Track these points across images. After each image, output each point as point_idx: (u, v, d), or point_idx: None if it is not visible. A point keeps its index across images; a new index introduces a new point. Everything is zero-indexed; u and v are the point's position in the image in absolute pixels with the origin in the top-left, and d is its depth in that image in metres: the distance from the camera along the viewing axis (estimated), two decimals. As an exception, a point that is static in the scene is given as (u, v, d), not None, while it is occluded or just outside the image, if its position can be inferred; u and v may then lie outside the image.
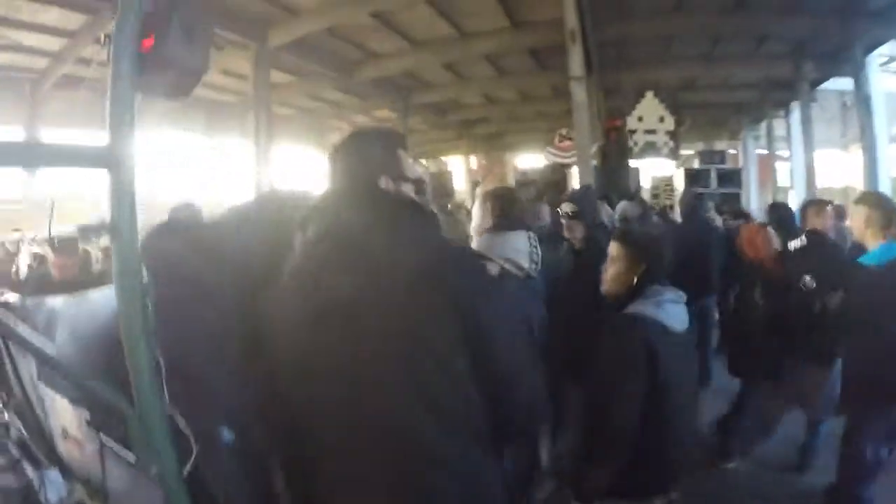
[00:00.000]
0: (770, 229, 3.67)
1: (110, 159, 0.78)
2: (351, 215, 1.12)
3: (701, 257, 4.72)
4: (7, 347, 1.68)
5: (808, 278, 3.07)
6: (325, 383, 1.03)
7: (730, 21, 8.76)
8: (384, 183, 1.21)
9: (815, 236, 3.45)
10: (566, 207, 3.29)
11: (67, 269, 3.85)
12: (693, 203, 5.42)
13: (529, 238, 2.58)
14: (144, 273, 1.16)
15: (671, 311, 1.91)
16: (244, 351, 1.14)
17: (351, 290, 1.03)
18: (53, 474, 1.52)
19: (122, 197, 0.84)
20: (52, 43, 8.55)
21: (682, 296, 1.98)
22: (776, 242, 3.52)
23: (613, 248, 2.02)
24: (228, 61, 9.80)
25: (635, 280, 1.94)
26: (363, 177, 1.20)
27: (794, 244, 3.40)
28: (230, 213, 1.35)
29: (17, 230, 6.46)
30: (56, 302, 1.52)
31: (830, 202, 4.32)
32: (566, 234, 3.32)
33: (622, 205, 5.70)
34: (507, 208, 2.63)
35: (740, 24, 8.84)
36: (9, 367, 1.71)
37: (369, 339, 1.00)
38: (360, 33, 9.38)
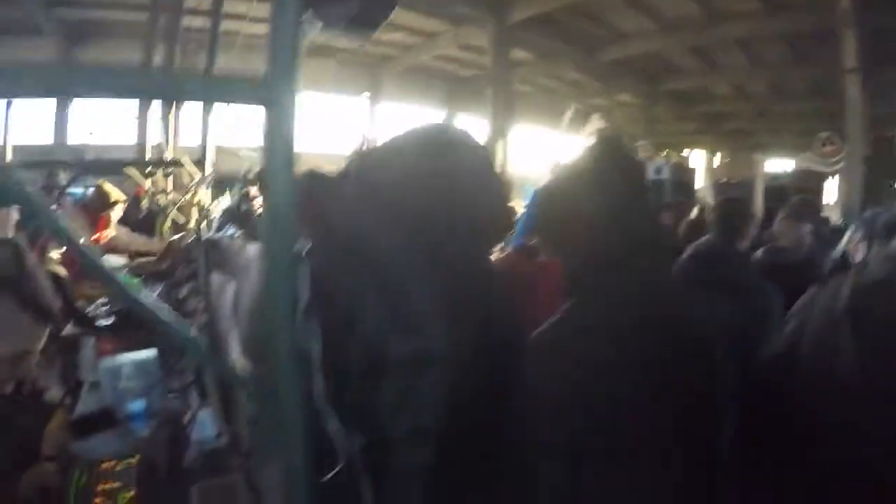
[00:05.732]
0: None
1: (268, 96, 0.67)
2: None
3: None
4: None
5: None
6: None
7: None
8: None
9: None
10: None
11: None
12: None
13: None
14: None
15: None
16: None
17: None
18: (204, 414, 1.45)
19: (278, 140, 0.67)
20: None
21: None
22: None
23: None
24: (468, 36, 10.21)
25: None
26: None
27: None
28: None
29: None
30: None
31: None
32: None
33: None
34: None
35: None
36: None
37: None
38: (606, 11, 9.34)
